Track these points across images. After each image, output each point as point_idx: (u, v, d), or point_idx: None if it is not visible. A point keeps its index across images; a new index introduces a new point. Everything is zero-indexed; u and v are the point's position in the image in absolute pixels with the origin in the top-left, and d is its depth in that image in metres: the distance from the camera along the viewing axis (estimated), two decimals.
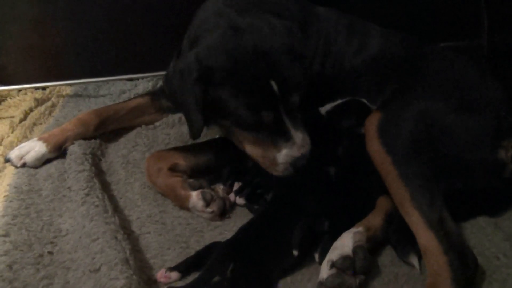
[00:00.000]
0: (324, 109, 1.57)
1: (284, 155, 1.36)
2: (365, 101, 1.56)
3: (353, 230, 1.21)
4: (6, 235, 1.26)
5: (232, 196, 1.44)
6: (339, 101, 1.58)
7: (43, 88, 2.28)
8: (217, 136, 1.60)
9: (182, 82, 1.35)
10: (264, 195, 1.41)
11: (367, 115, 1.36)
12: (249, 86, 1.30)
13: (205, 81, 1.31)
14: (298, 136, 1.36)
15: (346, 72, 1.65)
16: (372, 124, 1.30)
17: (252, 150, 1.41)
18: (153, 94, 1.93)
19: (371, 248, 1.20)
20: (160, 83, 2.13)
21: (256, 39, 1.32)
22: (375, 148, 1.26)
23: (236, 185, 1.45)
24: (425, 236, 1.13)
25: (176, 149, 1.58)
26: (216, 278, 1.10)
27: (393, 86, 1.50)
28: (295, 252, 1.17)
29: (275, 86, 1.31)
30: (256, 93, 1.31)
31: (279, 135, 1.36)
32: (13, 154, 1.62)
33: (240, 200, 1.42)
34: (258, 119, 1.32)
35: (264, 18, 1.40)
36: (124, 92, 2.19)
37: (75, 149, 1.63)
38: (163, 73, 2.12)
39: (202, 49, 1.35)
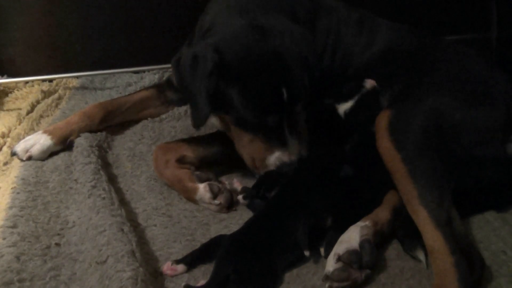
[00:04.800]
0: (344, 107, 1.52)
1: (275, 157, 1.37)
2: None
3: (360, 224, 1.20)
4: (13, 226, 1.27)
5: (238, 186, 1.44)
6: (357, 97, 1.55)
7: (50, 80, 2.29)
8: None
9: (194, 70, 1.34)
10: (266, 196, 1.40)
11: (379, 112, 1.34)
12: (261, 88, 1.31)
13: (219, 74, 1.31)
14: (294, 143, 1.37)
15: (355, 67, 1.64)
16: (382, 121, 1.29)
17: (244, 148, 1.42)
18: (158, 87, 1.93)
19: (377, 242, 1.20)
20: (166, 75, 2.13)
21: (276, 44, 1.33)
22: (385, 145, 1.25)
23: (236, 182, 1.45)
24: (432, 236, 1.12)
25: (184, 140, 1.57)
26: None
27: (402, 81, 1.48)
28: (307, 253, 1.17)
29: (285, 94, 1.32)
30: (266, 97, 1.32)
31: (276, 139, 1.37)
32: (19, 147, 1.62)
33: (243, 201, 1.40)
34: (262, 121, 1.33)
35: (285, 23, 1.41)
36: (130, 85, 2.20)
37: (81, 141, 1.63)
38: (169, 66, 2.13)
39: (221, 41, 1.34)
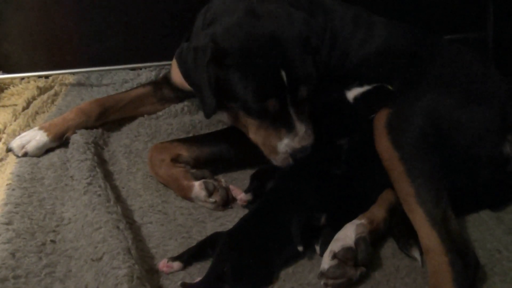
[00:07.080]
0: (352, 94, 1.48)
1: (284, 144, 1.37)
2: (390, 87, 1.51)
3: (356, 221, 1.21)
4: (9, 223, 1.27)
5: (238, 193, 1.42)
6: (367, 87, 1.51)
7: (46, 77, 2.28)
8: (221, 128, 1.59)
9: (195, 61, 1.35)
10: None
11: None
12: (259, 72, 1.31)
13: (218, 62, 1.32)
14: (301, 128, 1.36)
15: (352, 64, 1.64)
16: (381, 119, 1.29)
17: (255, 136, 1.42)
18: (155, 84, 1.93)
19: (373, 240, 1.20)
20: (163, 73, 2.13)
21: (273, 27, 1.33)
22: (383, 144, 1.26)
23: (234, 188, 1.43)
24: (427, 235, 1.12)
25: (179, 140, 1.58)
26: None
27: (400, 80, 1.48)
28: (300, 248, 1.17)
29: (284, 76, 1.31)
30: (265, 80, 1.31)
31: (283, 125, 1.36)
32: (15, 143, 1.62)
33: (247, 196, 1.38)
34: (263, 105, 1.33)
35: (283, 7, 1.41)
36: (126, 82, 2.19)
37: (77, 138, 1.63)
38: (166, 63, 2.14)
39: (218, 30, 1.35)
